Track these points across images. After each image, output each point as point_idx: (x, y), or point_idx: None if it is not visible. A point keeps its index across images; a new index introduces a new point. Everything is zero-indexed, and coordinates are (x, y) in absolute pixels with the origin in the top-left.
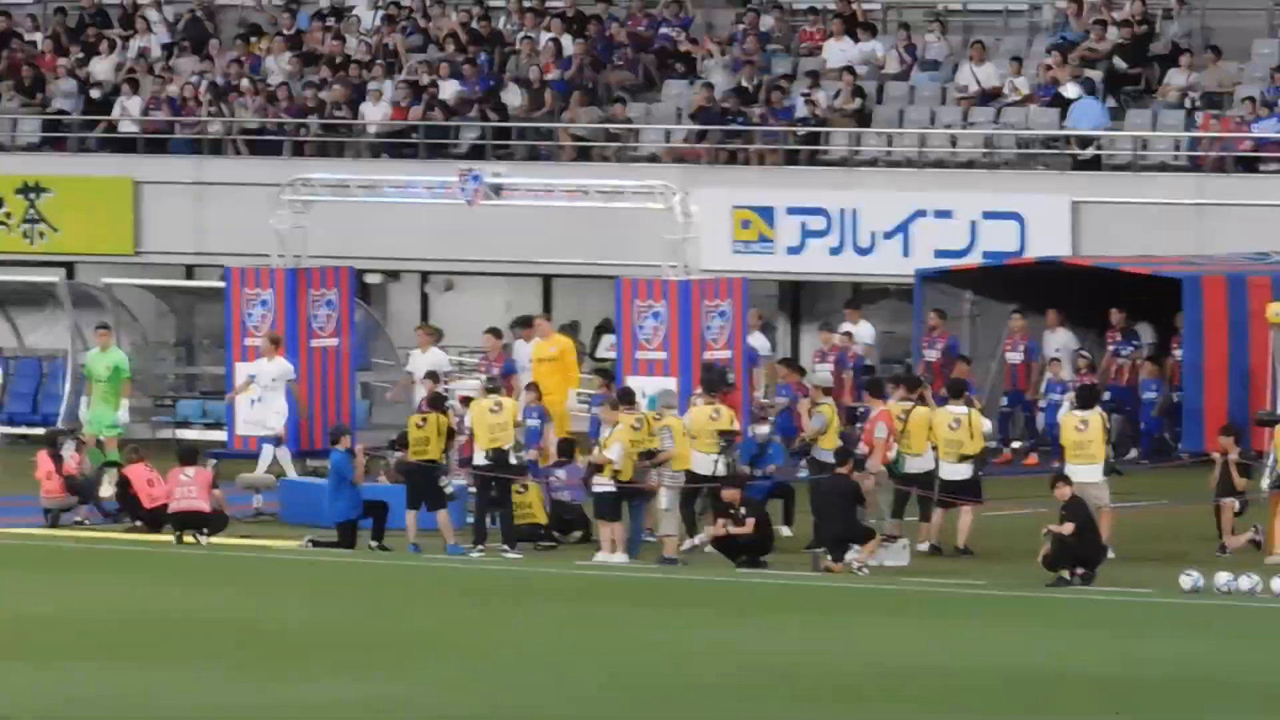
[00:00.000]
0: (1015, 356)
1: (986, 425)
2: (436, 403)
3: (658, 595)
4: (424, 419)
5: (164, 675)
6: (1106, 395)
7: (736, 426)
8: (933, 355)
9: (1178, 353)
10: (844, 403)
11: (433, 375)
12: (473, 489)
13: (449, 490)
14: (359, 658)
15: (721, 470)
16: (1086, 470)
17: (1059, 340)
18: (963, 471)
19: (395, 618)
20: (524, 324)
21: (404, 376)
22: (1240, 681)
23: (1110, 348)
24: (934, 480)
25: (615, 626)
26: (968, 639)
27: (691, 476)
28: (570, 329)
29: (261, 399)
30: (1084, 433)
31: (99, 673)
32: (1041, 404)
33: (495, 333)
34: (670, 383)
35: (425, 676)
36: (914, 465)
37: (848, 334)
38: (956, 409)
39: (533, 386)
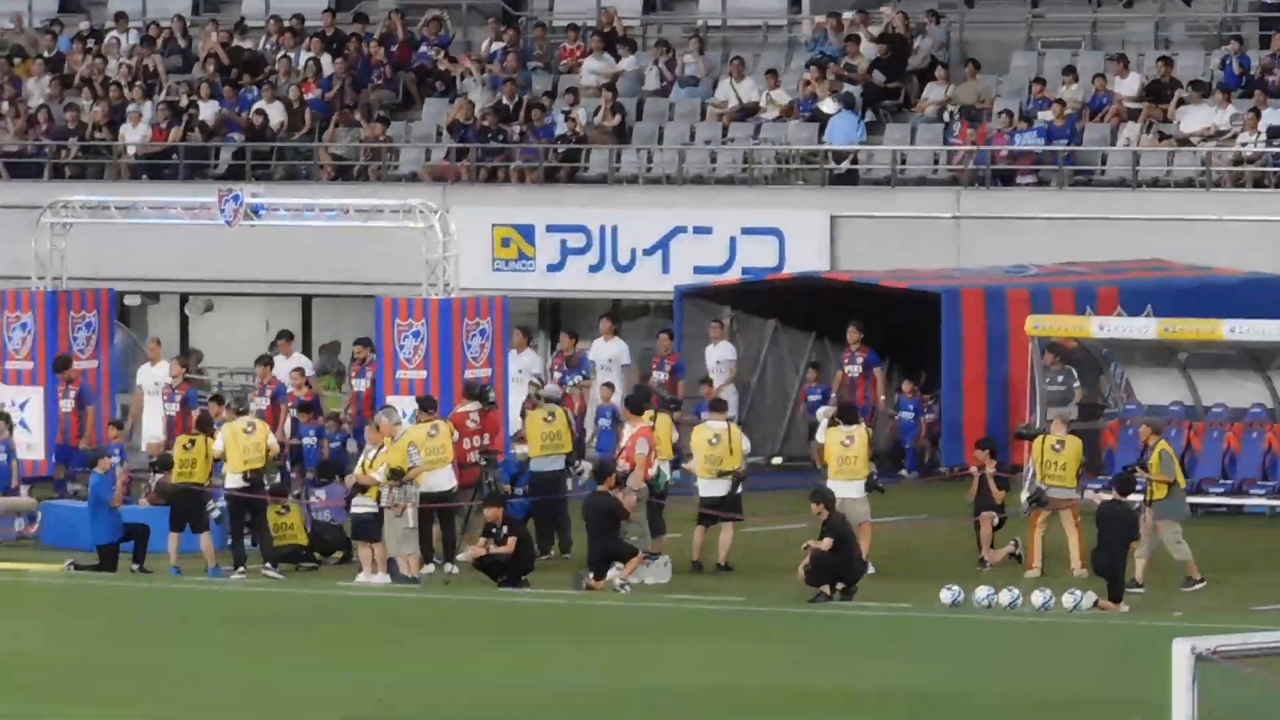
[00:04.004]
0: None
1: (746, 443)
2: (204, 425)
3: (419, 616)
4: (191, 441)
5: None
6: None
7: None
8: (661, 376)
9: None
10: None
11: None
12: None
13: (216, 514)
14: (113, 686)
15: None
16: (849, 486)
17: (719, 353)
18: (721, 488)
19: (152, 644)
20: None
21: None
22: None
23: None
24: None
25: (378, 649)
26: (726, 656)
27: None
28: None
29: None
30: (849, 448)
31: None
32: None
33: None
34: (409, 401)
35: (176, 704)
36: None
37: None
38: (716, 424)
39: None
